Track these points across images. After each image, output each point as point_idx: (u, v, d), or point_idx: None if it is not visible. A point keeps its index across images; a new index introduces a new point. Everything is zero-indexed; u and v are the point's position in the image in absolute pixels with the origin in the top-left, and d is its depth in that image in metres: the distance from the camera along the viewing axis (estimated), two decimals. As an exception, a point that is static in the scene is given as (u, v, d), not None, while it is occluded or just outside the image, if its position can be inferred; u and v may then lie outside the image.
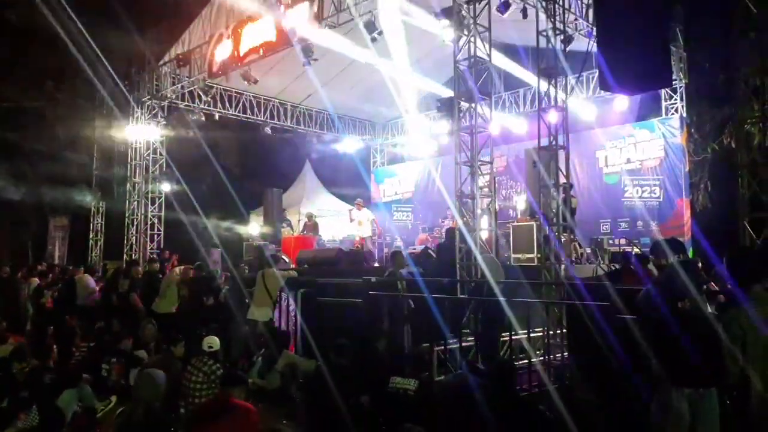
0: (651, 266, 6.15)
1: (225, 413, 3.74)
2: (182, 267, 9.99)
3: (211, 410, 3.93)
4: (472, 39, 8.89)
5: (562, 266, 8.09)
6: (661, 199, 13.75)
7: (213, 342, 5.98)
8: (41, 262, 16.41)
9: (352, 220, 15.63)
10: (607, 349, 4.64)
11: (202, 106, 16.04)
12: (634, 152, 14.29)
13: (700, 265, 4.57)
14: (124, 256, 16.30)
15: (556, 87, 8.63)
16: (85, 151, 18.32)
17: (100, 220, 17.67)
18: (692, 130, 14.66)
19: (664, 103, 14.01)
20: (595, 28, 7.59)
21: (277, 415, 5.68)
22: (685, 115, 13.86)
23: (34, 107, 19.62)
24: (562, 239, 8.32)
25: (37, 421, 4.71)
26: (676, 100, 13.79)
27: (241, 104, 16.73)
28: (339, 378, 5.10)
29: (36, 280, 11.66)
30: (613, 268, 10.29)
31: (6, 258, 14.72)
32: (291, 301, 8.40)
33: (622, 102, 14.28)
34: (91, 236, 17.70)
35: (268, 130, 17.42)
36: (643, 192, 14.05)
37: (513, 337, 6.41)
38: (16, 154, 20.96)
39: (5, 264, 12.73)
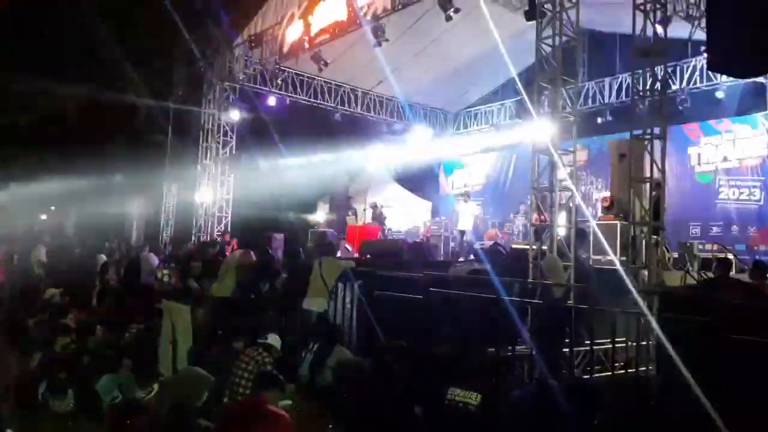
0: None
1: (255, 420, 3.23)
2: (242, 250, 9.69)
3: (242, 414, 3.44)
4: (558, 17, 8.10)
5: (649, 272, 7.21)
6: (761, 203, 12.48)
7: (270, 336, 5.83)
8: (111, 239, 16.76)
9: (455, 212, 15.25)
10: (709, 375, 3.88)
11: (273, 89, 15.92)
12: (732, 149, 13.00)
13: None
14: (193, 237, 16.44)
15: (653, 72, 7.71)
16: (160, 132, 18.60)
17: (172, 201, 17.91)
18: (802, 127, 13.15)
19: (770, 97, 12.66)
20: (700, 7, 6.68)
21: (325, 415, 5.25)
22: (795, 109, 12.47)
23: (115, 89, 20.13)
24: (651, 241, 7.44)
25: (72, 405, 4.45)
26: (784, 92, 12.42)
27: (312, 89, 16.52)
28: (392, 383, 4.60)
29: (103, 257, 11.81)
30: (704, 276, 9.27)
31: (91, 238, 15.20)
32: (348, 293, 7.94)
33: (720, 94, 13.08)
34: (162, 217, 17.99)
35: (338, 116, 17.13)
36: (740, 194, 12.80)
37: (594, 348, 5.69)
38: (96, 136, 21.68)
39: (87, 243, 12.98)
